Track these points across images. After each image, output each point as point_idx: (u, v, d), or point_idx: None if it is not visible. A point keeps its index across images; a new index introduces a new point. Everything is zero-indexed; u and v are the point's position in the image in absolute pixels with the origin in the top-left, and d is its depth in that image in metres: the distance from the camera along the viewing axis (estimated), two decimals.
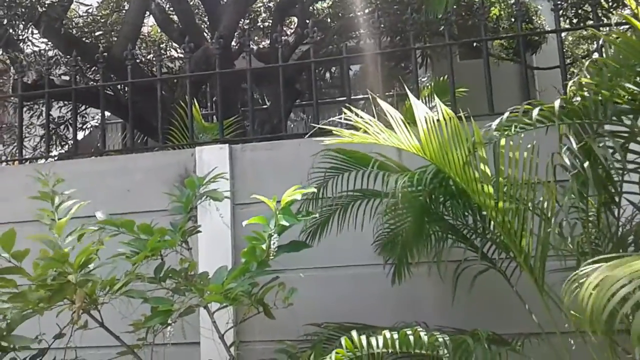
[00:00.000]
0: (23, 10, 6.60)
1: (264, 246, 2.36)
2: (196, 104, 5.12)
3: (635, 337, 1.30)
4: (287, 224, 2.37)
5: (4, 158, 7.54)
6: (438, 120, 2.12)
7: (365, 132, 2.22)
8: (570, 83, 2.14)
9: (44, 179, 2.53)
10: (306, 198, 2.68)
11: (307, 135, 2.61)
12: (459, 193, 2.43)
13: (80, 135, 9.56)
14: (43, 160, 4.49)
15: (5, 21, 6.61)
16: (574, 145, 2.03)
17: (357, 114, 2.23)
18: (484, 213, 2.50)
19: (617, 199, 2.21)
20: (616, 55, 2.15)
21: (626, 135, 2.10)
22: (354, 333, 2.02)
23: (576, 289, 1.47)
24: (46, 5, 6.63)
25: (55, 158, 4.76)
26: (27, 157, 5.59)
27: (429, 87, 6.26)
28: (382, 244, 2.81)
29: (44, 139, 8.40)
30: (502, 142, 2.10)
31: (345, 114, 2.26)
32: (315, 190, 2.60)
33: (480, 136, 2.08)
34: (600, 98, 2.08)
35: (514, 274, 2.51)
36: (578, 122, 2.07)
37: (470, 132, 2.08)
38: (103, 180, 3.46)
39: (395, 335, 2.03)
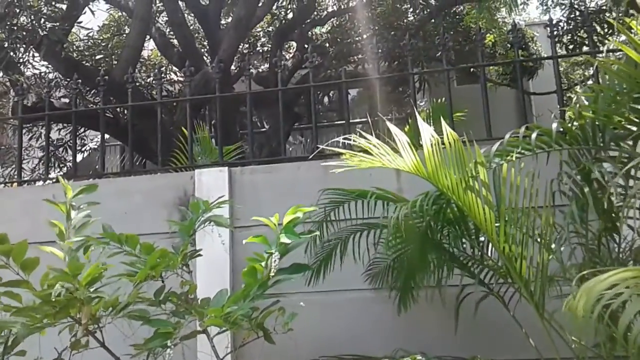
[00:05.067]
0: (24, 33, 6.67)
1: (263, 264, 2.36)
2: (204, 128, 5.14)
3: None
4: (288, 241, 2.36)
5: (1, 180, 7.54)
6: (443, 142, 2.14)
7: (370, 154, 2.23)
8: (568, 109, 2.17)
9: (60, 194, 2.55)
10: (309, 221, 2.68)
11: (309, 158, 2.62)
12: (457, 220, 2.44)
13: (79, 157, 9.57)
14: (42, 182, 4.48)
15: (6, 44, 6.66)
16: (574, 171, 2.04)
17: (366, 138, 2.24)
18: (482, 239, 2.50)
19: (617, 224, 2.21)
20: (612, 82, 2.18)
21: (626, 160, 2.11)
22: None
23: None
24: (47, 29, 6.69)
25: (54, 180, 4.75)
26: (25, 179, 5.59)
27: (427, 111, 6.30)
28: (373, 274, 2.82)
29: (42, 161, 8.42)
30: (504, 166, 2.11)
31: (355, 137, 2.27)
32: (317, 208, 2.60)
33: (482, 158, 2.09)
34: (598, 124, 2.10)
35: (513, 300, 2.49)
36: (577, 148, 2.08)
37: (473, 156, 2.10)
38: (101, 203, 3.45)
39: None
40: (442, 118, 2.48)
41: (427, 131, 2.16)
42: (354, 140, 2.28)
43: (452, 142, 2.12)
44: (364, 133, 2.27)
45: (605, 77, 2.33)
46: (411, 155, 2.18)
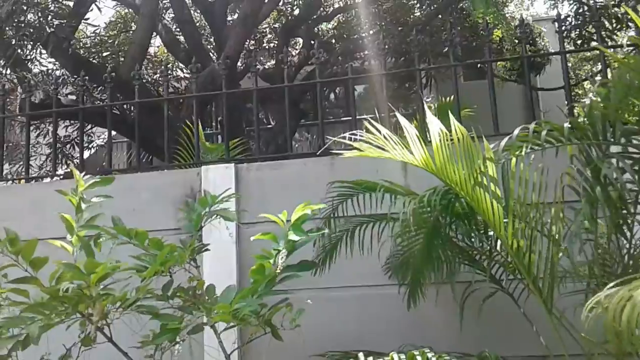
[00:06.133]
0: (31, 30, 6.68)
1: (271, 261, 2.36)
2: (199, 127, 5.13)
3: None
4: (296, 238, 2.36)
5: (10, 177, 7.56)
6: (451, 137, 2.12)
7: (381, 148, 2.22)
8: (578, 105, 2.15)
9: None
10: (317, 217, 2.67)
11: (317, 154, 2.61)
12: (466, 214, 2.42)
13: (85, 154, 9.60)
14: (49, 179, 4.50)
15: (13, 41, 6.68)
16: (584, 167, 2.02)
17: (378, 130, 2.23)
18: (491, 233, 2.48)
19: (629, 221, 2.18)
20: (623, 76, 2.16)
21: (637, 156, 2.09)
22: (361, 356, 2.00)
23: (593, 310, 1.47)
24: (54, 26, 6.70)
25: (61, 177, 4.77)
26: (33, 175, 5.61)
27: (434, 107, 6.26)
28: (392, 266, 2.79)
29: (49, 158, 8.44)
30: (513, 162, 2.10)
31: (365, 127, 2.26)
32: (325, 206, 2.59)
33: (491, 153, 2.08)
34: (608, 119, 2.08)
35: (522, 296, 2.48)
36: (587, 143, 2.06)
37: (481, 150, 2.08)
38: (109, 199, 3.45)
39: (403, 358, 2.02)
40: (449, 114, 2.45)
41: (435, 125, 2.15)
42: (360, 135, 2.27)
43: (461, 137, 2.11)
44: (374, 123, 2.25)
45: (614, 72, 2.31)
46: (420, 149, 2.17)
